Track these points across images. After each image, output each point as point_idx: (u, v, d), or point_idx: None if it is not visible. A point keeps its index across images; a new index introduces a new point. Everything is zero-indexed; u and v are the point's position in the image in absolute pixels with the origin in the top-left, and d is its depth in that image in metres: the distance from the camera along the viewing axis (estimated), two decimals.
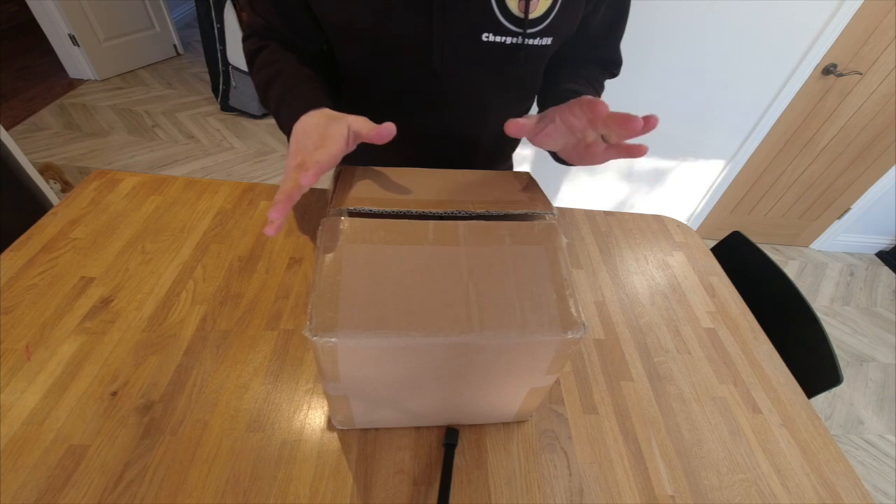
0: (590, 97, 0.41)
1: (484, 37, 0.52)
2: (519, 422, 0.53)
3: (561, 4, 0.51)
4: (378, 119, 0.65)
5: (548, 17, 0.52)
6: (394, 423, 0.50)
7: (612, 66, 0.66)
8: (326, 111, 0.47)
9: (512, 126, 0.45)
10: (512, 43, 0.53)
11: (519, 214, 0.44)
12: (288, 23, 0.56)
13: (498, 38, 0.52)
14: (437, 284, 0.37)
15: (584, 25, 0.58)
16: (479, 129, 0.65)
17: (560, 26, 0.53)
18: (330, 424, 0.50)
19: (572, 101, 0.44)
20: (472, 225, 0.41)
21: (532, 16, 0.51)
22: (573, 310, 0.38)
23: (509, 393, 0.46)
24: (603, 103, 0.39)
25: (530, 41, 0.53)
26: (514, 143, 0.77)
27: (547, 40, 0.54)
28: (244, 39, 0.61)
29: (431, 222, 0.40)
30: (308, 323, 0.34)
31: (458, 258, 0.39)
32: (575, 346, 0.39)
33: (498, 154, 0.74)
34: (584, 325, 0.37)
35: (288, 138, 0.48)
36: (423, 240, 0.39)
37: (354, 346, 0.35)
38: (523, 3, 0.50)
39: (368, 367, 0.38)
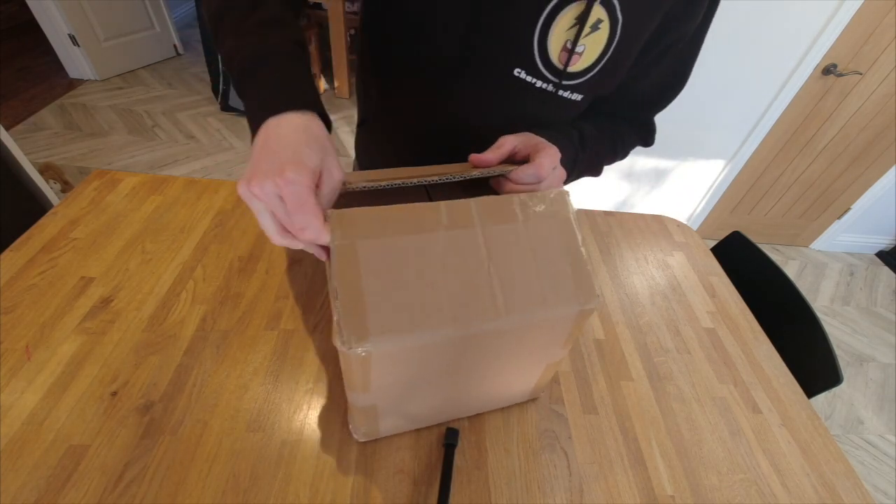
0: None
1: (515, 72, 0.51)
2: (520, 420, 0.53)
3: (603, 66, 0.50)
4: (398, 92, 0.59)
5: (586, 75, 0.51)
6: (418, 424, 0.50)
7: (646, 132, 0.64)
8: (317, 129, 0.37)
9: (474, 159, 0.45)
10: (541, 88, 0.51)
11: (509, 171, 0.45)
12: None
13: (528, 79, 0.51)
14: (459, 273, 0.36)
15: (631, 87, 0.56)
16: (485, 139, 0.64)
17: (595, 87, 0.52)
18: (336, 429, 0.50)
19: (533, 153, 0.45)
20: (483, 202, 0.39)
21: (571, 69, 0.50)
22: (588, 280, 0.39)
23: (528, 370, 0.47)
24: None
25: (562, 93, 0.52)
26: None
27: (577, 97, 0.53)
28: None
29: (443, 204, 0.39)
30: (339, 335, 0.32)
31: (475, 241, 0.38)
32: (590, 315, 0.40)
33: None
34: (597, 295, 0.39)
35: (252, 119, 0.38)
36: (437, 225, 0.37)
37: (388, 351, 0.34)
38: (565, 54, 0.48)
39: (400, 369, 0.38)
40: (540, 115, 0.56)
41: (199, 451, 0.46)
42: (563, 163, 0.49)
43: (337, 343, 0.32)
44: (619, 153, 0.63)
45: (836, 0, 1.38)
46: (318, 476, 0.46)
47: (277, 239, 0.35)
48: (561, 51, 0.48)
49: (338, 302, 0.33)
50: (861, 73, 1.62)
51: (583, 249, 0.40)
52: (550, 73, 0.50)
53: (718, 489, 0.50)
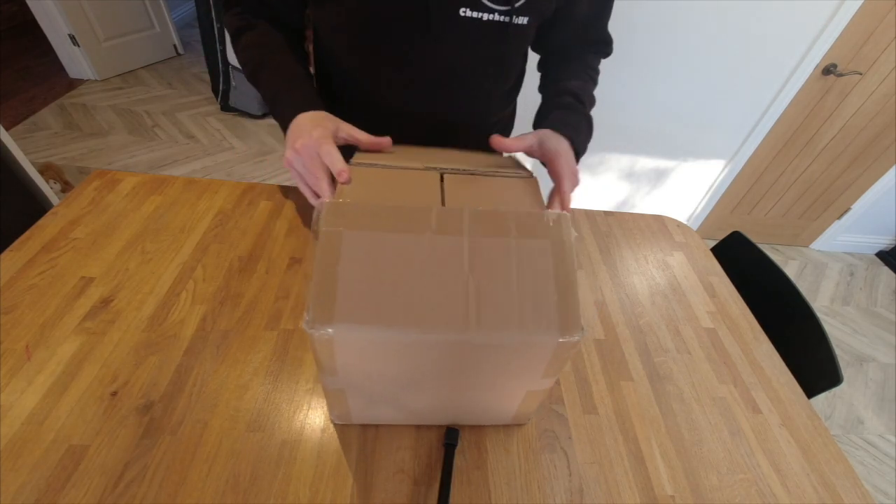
0: (561, 193, 0.51)
1: (462, 12, 0.53)
2: (518, 424, 0.53)
3: None
4: (358, 99, 0.64)
5: None
6: (391, 419, 0.50)
7: (604, 45, 0.69)
8: (321, 114, 0.53)
9: (496, 142, 0.51)
10: (489, 20, 0.54)
11: (492, 172, 0.47)
12: None
13: (475, 14, 0.54)
14: (437, 278, 0.36)
15: (571, 10, 0.60)
16: (464, 108, 0.67)
17: (537, 4, 0.55)
18: (329, 420, 0.50)
19: (552, 169, 0.53)
20: (478, 214, 0.40)
21: None
22: (573, 312, 0.37)
23: (506, 394, 0.45)
24: (565, 197, 0.50)
25: (506, 18, 0.55)
26: (506, 128, 0.78)
27: (523, 19, 0.55)
28: (226, 9, 0.62)
29: (435, 209, 0.39)
30: (305, 314, 0.33)
31: (460, 250, 0.38)
32: (572, 349, 0.38)
33: (484, 135, 0.74)
34: (582, 328, 0.37)
35: (282, 127, 0.54)
36: (425, 228, 0.38)
37: (351, 339, 0.35)
38: None
39: (366, 361, 0.38)
40: (496, 50, 0.60)
41: (199, 451, 0.46)
42: (577, 133, 0.56)
43: (303, 322, 0.33)
44: (595, 81, 0.67)
45: (836, 0, 1.38)
46: (318, 476, 0.46)
47: (311, 200, 0.48)
48: None
49: (311, 283, 0.34)
50: (861, 73, 1.61)
51: (574, 278, 0.38)
52: (493, 2, 0.53)
53: (718, 489, 0.50)
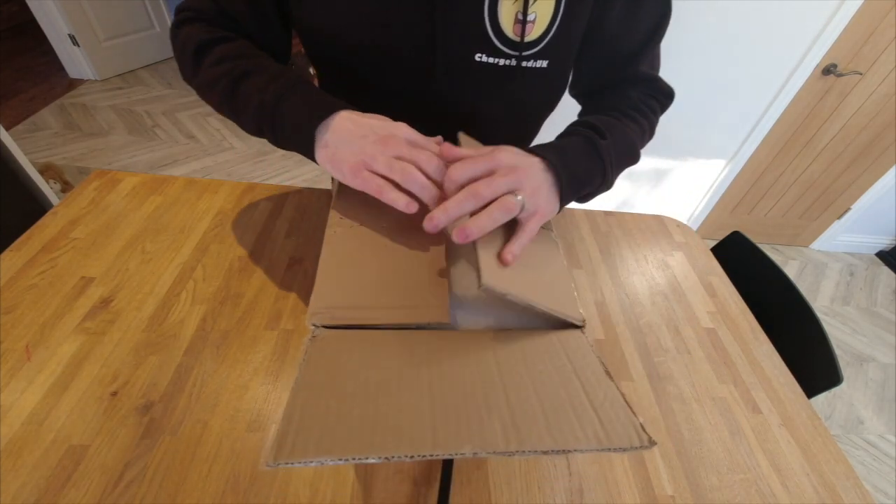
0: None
1: (477, 57, 0.51)
2: None
3: (557, 28, 0.50)
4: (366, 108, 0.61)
5: (543, 40, 0.51)
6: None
7: (650, 84, 0.61)
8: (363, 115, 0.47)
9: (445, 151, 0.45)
10: (505, 65, 0.52)
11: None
12: (255, 14, 0.51)
13: (491, 60, 0.52)
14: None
15: (621, 40, 0.55)
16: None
17: (556, 48, 0.53)
18: None
19: None
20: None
21: (527, 39, 0.50)
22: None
23: None
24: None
25: (525, 63, 0.52)
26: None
27: (542, 63, 0.53)
28: (181, 23, 0.51)
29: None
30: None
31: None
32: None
33: None
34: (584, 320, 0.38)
35: (288, 136, 0.45)
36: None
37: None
38: (519, 26, 0.49)
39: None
40: (513, 92, 0.57)
41: (199, 451, 0.46)
42: (560, 154, 0.47)
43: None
44: (636, 120, 0.58)
45: (836, 0, 1.38)
46: (318, 476, 0.46)
47: (410, 206, 0.41)
48: (514, 24, 0.49)
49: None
50: (861, 73, 1.62)
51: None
52: (509, 48, 0.51)
53: (718, 489, 0.50)
